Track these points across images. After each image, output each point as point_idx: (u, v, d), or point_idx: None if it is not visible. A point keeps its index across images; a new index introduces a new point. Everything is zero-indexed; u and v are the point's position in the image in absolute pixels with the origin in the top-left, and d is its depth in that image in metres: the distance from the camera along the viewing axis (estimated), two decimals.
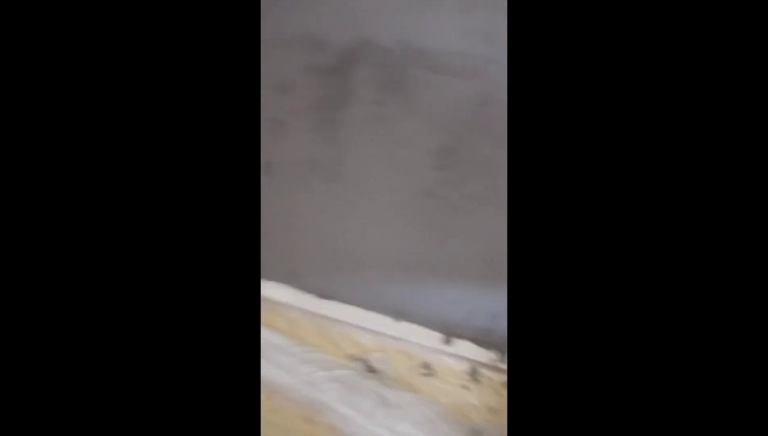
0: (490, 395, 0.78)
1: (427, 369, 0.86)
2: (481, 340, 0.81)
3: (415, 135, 0.71)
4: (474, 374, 0.82)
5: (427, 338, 0.87)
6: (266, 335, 0.96)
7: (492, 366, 0.80)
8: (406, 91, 0.68)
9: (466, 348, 0.83)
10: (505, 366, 0.79)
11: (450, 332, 0.85)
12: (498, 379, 0.78)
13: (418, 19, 0.63)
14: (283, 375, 0.90)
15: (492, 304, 0.79)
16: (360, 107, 0.71)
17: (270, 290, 0.97)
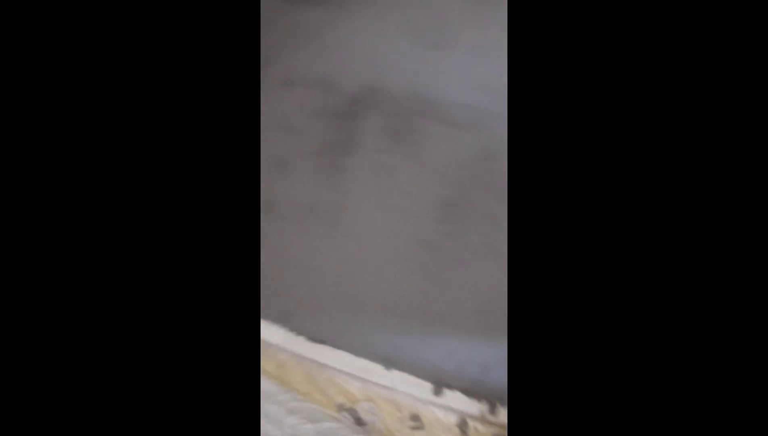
0: None
1: (416, 422, 0.84)
2: (471, 391, 0.81)
3: (419, 185, 0.73)
4: (463, 427, 0.81)
5: (418, 388, 0.86)
6: None
7: (482, 419, 0.79)
8: (412, 141, 0.71)
9: (456, 399, 0.83)
10: (494, 419, 0.78)
11: (441, 383, 0.84)
12: (487, 432, 0.78)
13: (430, 68, 0.65)
14: (268, 426, 0.87)
15: (484, 355, 0.79)
16: (365, 154, 0.74)
17: (262, 330, 0.96)
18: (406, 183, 0.74)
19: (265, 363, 0.95)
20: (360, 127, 0.69)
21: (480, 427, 0.79)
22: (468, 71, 0.64)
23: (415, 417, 0.85)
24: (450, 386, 0.83)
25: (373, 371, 0.91)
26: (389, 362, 0.89)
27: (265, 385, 0.92)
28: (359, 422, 0.89)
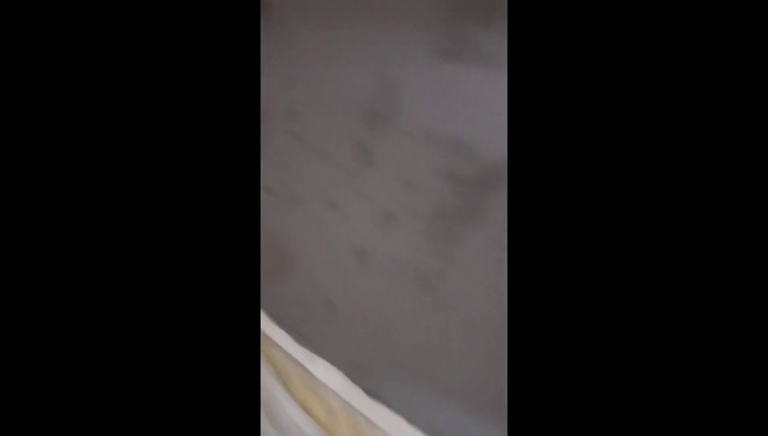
0: None
1: None
2: None
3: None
4: None
5: None
6: (302, 423, 0.88)
7: None
8: None
9: None
10: None
11: None
12: None
13: None
14: None
15: None
16: (485, 228, 0.65)
17: (320, 369, 0.90)
18: None
19: (316, 405, 0.89)
20: (488, 198, 0.62)
21: None
22: None
23: None
24: None
25: None
26: None
27: (310, 429, 0.86)
28: None
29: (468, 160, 0.65)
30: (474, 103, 0.56)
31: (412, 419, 0.89)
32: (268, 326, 0.96)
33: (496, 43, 0.49)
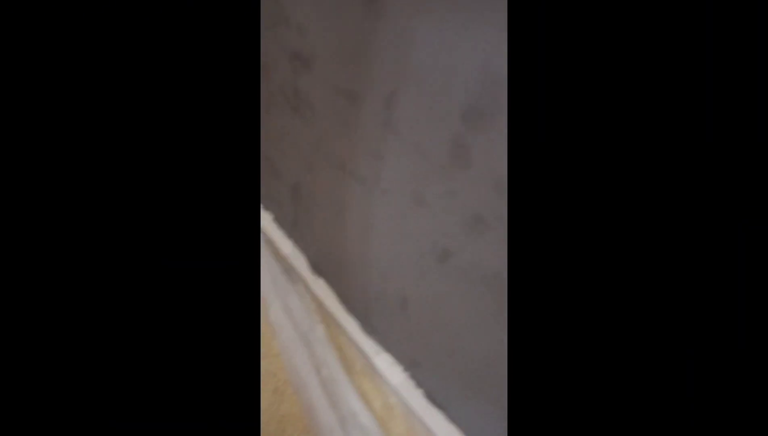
0: None
1: None
2: None
3: None
4: None
5: None
6: (358, 410, 0.87)
7: None
8: None
9: None
10: None
11: None
12: None
13: None
14: None
15: None
16: None
17: (384, 365, 0.89)
18: None
19: (375, 398, 0.88)
20: None
21: None
22: None
23: None
24: None
25: None
26: None
27: (367, 421, 0.85)
28: None
29: None
30: None
31: (470, 434, 0.86)
32: (337, 309, 0.97)
33: None
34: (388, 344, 0.90)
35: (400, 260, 0.76)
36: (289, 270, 1.03)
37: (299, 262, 1.03)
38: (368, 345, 0.91)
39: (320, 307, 0.98)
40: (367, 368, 0.91)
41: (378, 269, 0.82)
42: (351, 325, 0.94)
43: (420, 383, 0.87)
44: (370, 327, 0.92)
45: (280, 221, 1.09)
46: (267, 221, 1.09)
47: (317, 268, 1.01)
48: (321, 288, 0.99)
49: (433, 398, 0.86)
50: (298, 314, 0.96)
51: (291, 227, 1.05)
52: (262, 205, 1.12)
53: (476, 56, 0.52)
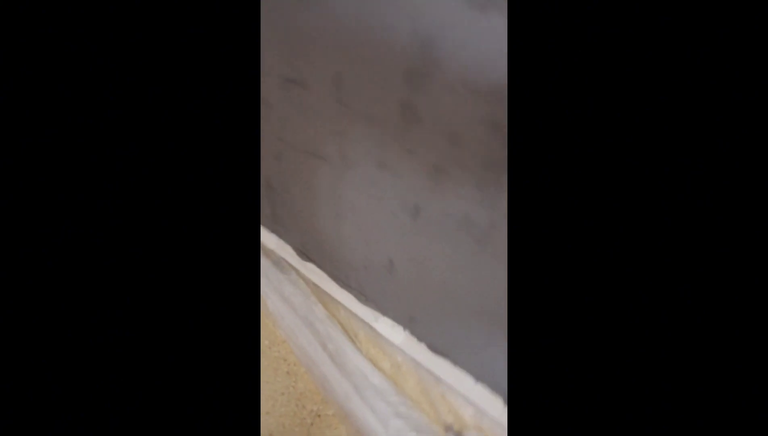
0: None
1: None
2: None
3: None
4: None
5: None
6: (369, 370, 0.92)
7: None
8: None
9: None
10: None
11: None
12: None
13: None
14: (375, 423, 0.86)
15: None
16: None
17: (385, 327, 0.94)
18: None
19: (382, 360, 0.93)
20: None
21: None
22: None
23: None
24: None
25: (492, 402, 0.84)
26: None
27: (378, 381, 0.91)
28: None
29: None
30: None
31: (479, 376, 0.91)
32: (331, 287, 1.01)
33: None
34: (384, 308, 0.95)
35: (378, 225, 0.81)
36: (278, 262, 1.08)
37: (286, 252, 1.07)
38: (366, 313, 0.96)
39: (315, 288, 1.03)
40: (370, 335, 0.97)
41: (360, 239, 0.87)
42: (347, 298, 0.99)
43: (421, 337, 0.92)
44: (364, 296, 0.97)
45: (260, 218, 1.12)
46: None
47: (304, 253, 1.05)
48: (312, 271, 1.03)
49: (435, 348, 0.92)
50: (295, 300, 1.00)
51: (271, 222, 1.09)
52: None
53: (406, 24, 0.56)
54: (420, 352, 0.91)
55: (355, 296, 0.98)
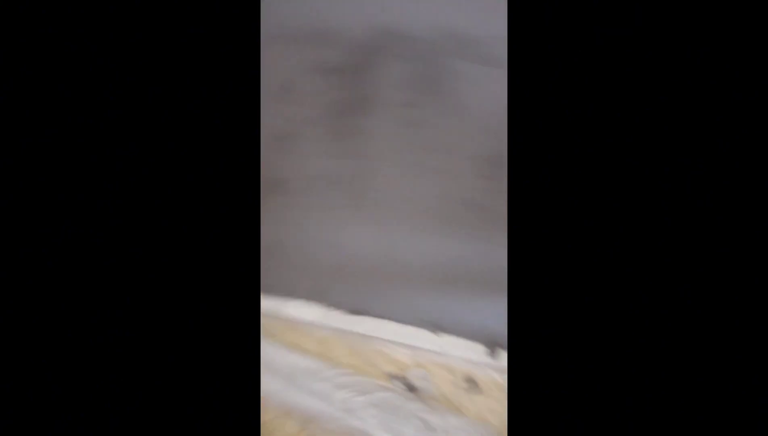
0: None
1: (472, 384, 0.80)
2: None
3: (455, 140, 0.63)
4: None
5: (470, 351, 0.81)
6: (295, 359, 0.89)
7: None
8: (441, 88, 0.60)
9: None
10: None
11: (495, 344, 0.79)
12: None
13: None
14: (318, 403, 0.84)
15: None
16: (385, 111, 0.63)
17: (296, 309, 0.91)
18: (440, 138, 0.63)
19: (305, 341, 0.91)
20: (373, 80, 0.58)
21: None
22: None
23: (469, 380, 0.80)
24: (506, 347, 0.78)
25: (421, 337, 0.86)
26: (437, 327, 0.83)
27: (308, 363, 0.88)
28: (412, 388, 0.85)
29: (339, 46, 0.60)
30: None
31: (402, 319, 0.93)
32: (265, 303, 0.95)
33: None
34: (291, 292, 0.92)
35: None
36: None
37: None
38: (274, 304, 0.93)
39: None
40: (286, 324, 0.93)
41: None
42: (266, 303, 0.94)
43: (337, 305, 0.91)
44: (267, 287, 0.93)
45: None
46: None
47: None
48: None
49: (353, 310, 0.91)
50: None
51: None
52: None
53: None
54: (340, 319, 0.90)
55: (265, 294, 0.93)
